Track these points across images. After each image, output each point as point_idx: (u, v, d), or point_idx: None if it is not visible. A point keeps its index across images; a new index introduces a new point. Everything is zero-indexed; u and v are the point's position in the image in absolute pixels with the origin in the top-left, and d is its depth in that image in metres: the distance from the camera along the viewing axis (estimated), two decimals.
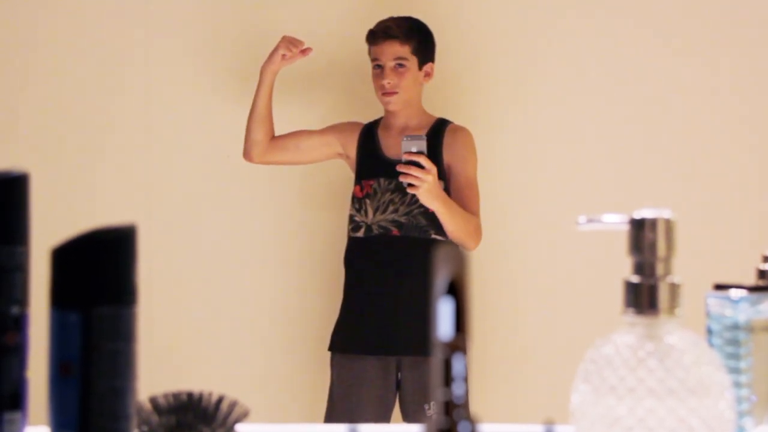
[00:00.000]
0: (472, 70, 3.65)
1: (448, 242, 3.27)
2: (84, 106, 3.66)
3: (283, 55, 3.35)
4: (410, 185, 3.07)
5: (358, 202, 3.34)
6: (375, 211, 3.31)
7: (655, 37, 3.64)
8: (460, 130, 3.38)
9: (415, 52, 3.34)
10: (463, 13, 3.66)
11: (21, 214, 1.01)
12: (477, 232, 3.27)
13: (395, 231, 3.28)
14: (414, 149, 3.05)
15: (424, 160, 3.04)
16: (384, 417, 3.30)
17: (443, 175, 3.27)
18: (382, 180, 3.33)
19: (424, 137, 3.09)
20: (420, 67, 3.35)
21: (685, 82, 3.64)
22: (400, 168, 3.05)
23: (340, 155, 3.45)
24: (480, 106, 3.64)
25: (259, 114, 3.39)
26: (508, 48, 3.66)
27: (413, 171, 3.05)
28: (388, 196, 3.31)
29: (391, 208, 3.30)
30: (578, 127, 3.64)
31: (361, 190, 3.35)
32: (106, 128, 3.66)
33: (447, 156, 3.32)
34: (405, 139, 3.08)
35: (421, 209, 3.26)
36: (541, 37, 3.65)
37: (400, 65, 3.32)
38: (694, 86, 3.64)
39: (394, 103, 3.33)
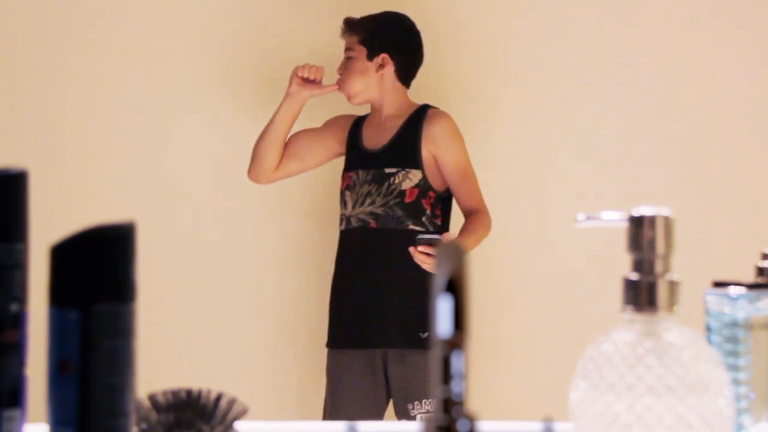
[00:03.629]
0: (471, 67, 3.65)
1: (431, 232, 3.27)
2: (83, 103, 3.65)
3: (299, 75, 3.33)
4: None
5: (341, 195, 3.36)
6: (354, 204, 3.31)
7: (654, 34, 3.64)
8: (439, 117, 3.35)
9: (363, 41, 3.34)
10: (458, 8, 3.65)
11: (20, 212, 1.01)
12: (488, 229, 3.31)
13: (373, 223, 3.28)
14: (428, 242, 3.13)
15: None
16: (374, 412, 3.27)
17: (421, 165, 3.28)
18: (360, 172, 3.33)
19: (439, 236, 3.16)
20: (370, 58, 3.36)
21: (685, 81, 3.63)
22: (415, 255, 3.12)
23: (341, 154, 3.45)
24: (479, 103, 3.63)
25: (273, 141, 3.37)
26: (506, 43, 3.65)
27: (428, 260, 3.12)
28: (365, 188, 3.30)
29: (368, 200, 3.29)
30: (577, 125, 3.64)
31: (344, 182, 3.37)
32: (106, 125, 3.66)
33: (429, 146, 3.30)
34: (419, 237, 3.15)
35: (398, 200, 3.26)
36: (539, 32, 3.65)
37: (349, 58, 3.36)
38: (694, 85, 3.64)
39: (345, 95, 3.36)
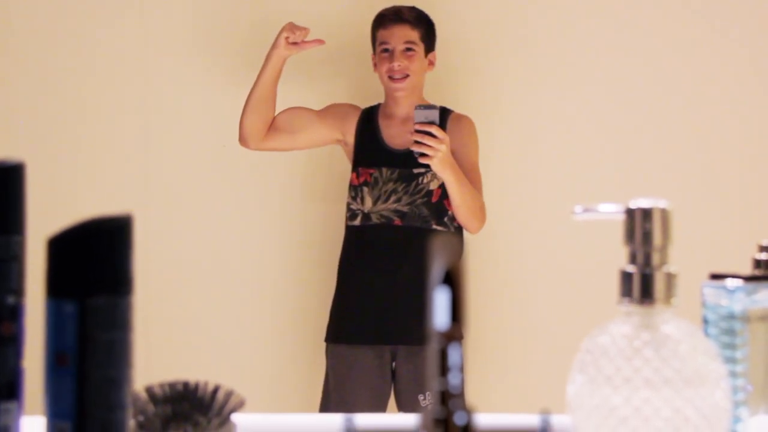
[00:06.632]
0: (471, 61, 3.65)
1: (449, 233, 3.28)
2: (80, 95, 3.65)
3: (287, 39, 3.32)
4: (422, 155, 3.09)
5: (354, 189, 3.34)
6: (375, 200, 3.31)
7: (652, 27, 3.64)
8: (464, 118, 3.39)
9: (423, 38, 3.37)
10: (464, 3, 3.65)
11: (17, 204, 1.01)
12: (482, 212, 3.28)
13: (397, 221, 3.29)
14: (426, 119, 3.07)
15: (436, 130, 3.07)
16: (379, 407, 3.30)
17: None
18: (384, 169, 3.32)
19: (437, 107, 3.12)
20: (425, 55, 3.38)
21: (682, 73, 3.63)
22: (413, 137, 3.08)
23: (338, 141, 3.45)
24: (478, 96, 3.63)
25: (259, 99, 3.36)
26: (507, 39, 3.65)
27: (427, 140, 3.07)
28: (390, 186, 3.31)
29: (393, 197, 3.30)
30: (575, 117, 3.64)
31: (358, 177, 3.35)
32: (103, 117, 3.65)
33: (451, 143, 3.32)
34: (417, 108, 3.11)
35: (425, 199, 3.28)
36: (540, 28, 3.64)
37: (410, 49, 3.34)
38: (690, 77, 3.64)
39: (404, 88, 3.33)
